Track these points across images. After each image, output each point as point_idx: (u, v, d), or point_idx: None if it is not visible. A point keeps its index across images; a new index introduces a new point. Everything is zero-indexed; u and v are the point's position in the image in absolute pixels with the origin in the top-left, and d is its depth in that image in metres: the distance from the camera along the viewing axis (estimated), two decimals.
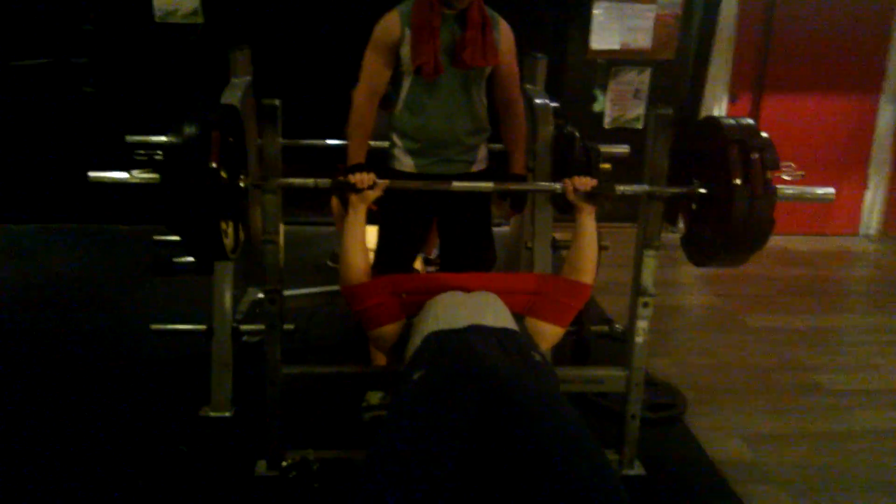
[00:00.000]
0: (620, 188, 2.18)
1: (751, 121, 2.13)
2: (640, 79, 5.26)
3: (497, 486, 1.61)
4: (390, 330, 2.07)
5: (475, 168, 2.65)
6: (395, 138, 2.60)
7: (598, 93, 5.29)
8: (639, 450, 2.55)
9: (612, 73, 5.23)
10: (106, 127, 4.92)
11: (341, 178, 2.12)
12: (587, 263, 2.13)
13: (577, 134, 2.93)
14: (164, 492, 2.38)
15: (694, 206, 2.23)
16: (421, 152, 2.57)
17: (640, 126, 5.30)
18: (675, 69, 5.30)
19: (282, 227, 2.35)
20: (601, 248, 3.02)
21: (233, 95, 2.76)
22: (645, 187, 2.26)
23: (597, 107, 5.32)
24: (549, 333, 2.10)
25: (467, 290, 2.10)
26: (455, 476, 1.49)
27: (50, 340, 3.51)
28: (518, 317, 2.09)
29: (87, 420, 2.79)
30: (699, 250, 2.24)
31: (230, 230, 2.12)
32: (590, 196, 2.15)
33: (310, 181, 2.15)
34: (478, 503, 1.62)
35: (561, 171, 2.82)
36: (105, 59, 5.13)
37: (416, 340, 1.90)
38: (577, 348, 3.00)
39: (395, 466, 1.48)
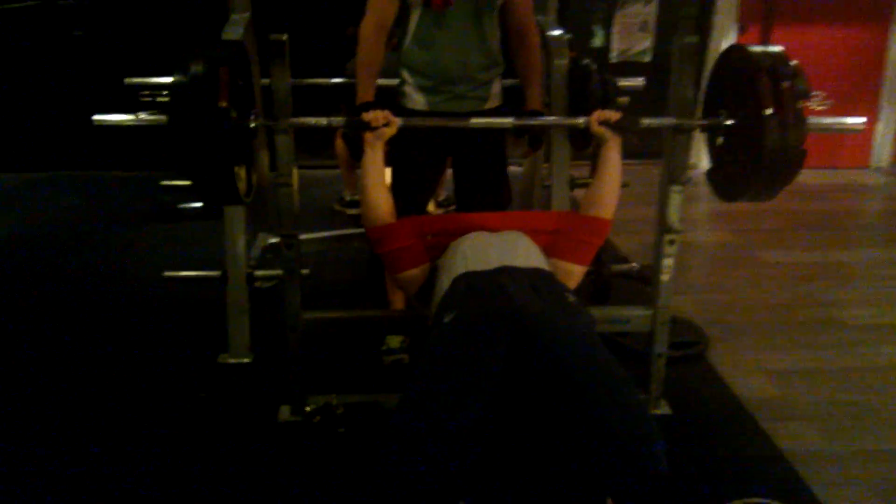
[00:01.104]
0: (646, 121, 2.10)
1: (779, 48, 2.03)
2: (646, 10, 5.12)
3: (531, 426, 1.58)
4: (416, 273, 2.01)
5: (489, 104, 2.54)
6: (405, 75, 2.49)
7: (596, 28, 5.14)
8: (664, 389, 2.52)
9: (617, 4, 5.08)
10: (99, 71, 4.79)
11: (354, 116, 2.03)
12: (608, 198, 2.06)
13: (593, 66, 2.83)
14: (187, 439, 2.35)
15: (721, 139, 2.14)
16: (432, 89, 2.45)
17: (647, 59, 5.18)
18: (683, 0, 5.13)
19: (295, 170, 2.26)
20: (623, 185, 2.96)
21: (234, 32, 2.64)
22: (672, 120, 2.18)
23: (596, 42, 5.18)
24: (571, 272, 2.03)
25: (493, 229, 2.03)
26: (488, 417, 1.45)
27: (60, 289, 3.47)
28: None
29: (103, 368, 2.76)
30: (728, 184, 2.16)
31: (242, 173, 2.03)
32: (615, 128, 2.07)
33: (323, 120, 2.06)
34: (512, 444, 1.60)
35: (577, 106, 2.73)
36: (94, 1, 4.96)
37: (445, 283, 1.84)
38: (597, 288, 2.94)
39: (431, 407, 1.44)
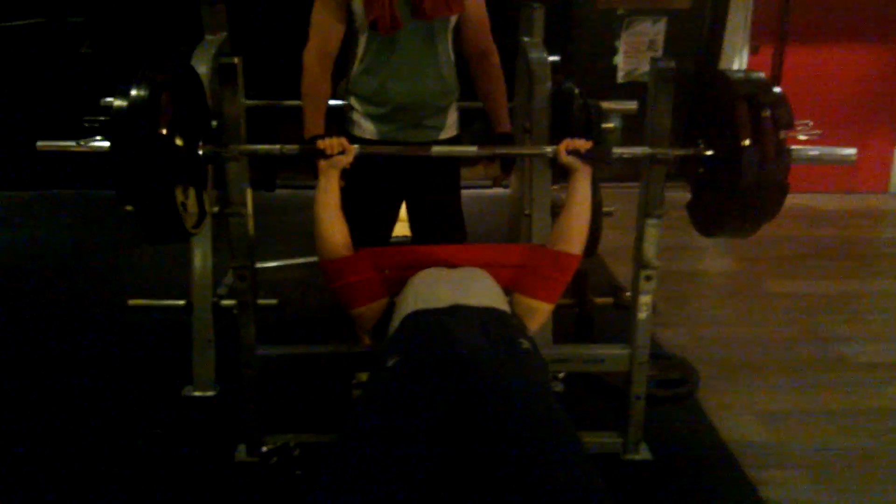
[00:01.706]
0: (618, 150, 1.98)
1: (761, 74, 1.90)
2: (654, 29, 4.98)
3: (470, 495, 1.45)
4: (372, 309, 1.91)
5: (445, 134, 2.41)
6: (354, 101, 2.35)
7: (619, 45, 5.01)
8: (646, 430, 2.37)
9: (624, 23, 4.95)
10: (106, 89, 4.74)
11: (307, 146, 1.93)
12: (576, 232, 1.95)
13: (576, 90, 2.71)
14: (139, 477, 2.25)
15: (700, 170, 2.01)
16: (384, 118, 2.31)
17: None
18: (692, 19, 5.00)
19: (250, 196, 2.17)
20: (605, 214, 2.83)
21: (205, 54, 2.56)
22: (645, 149, 2.05)
23: (617, 60, 5.05)
24: (536, 310, 1.93)
25: (453, 264, 1.92)
26: (421, 480, 1.33)
27: (26, 314, 3.39)
28: (505, 292, 1.93)
29: (63, 400, 2.67)
30: (705, 218, 2.04)
31: (190, 202, 1.94)
32: (584, 158, 1.96)
33: (275, 147, 1.96)
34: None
35: (559, 131, 2.62)
36: (103, 18, 4.92)
37: (395, 322, 1.74)
38: (579, 323, 2.81)
39: (358, 467, 1.32)
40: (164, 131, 1.77)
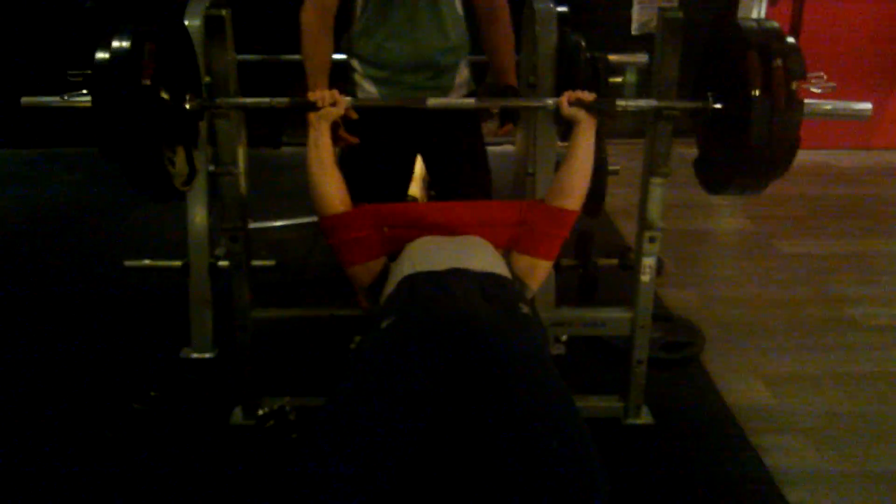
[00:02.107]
0: (622, 103, 1.89)
1: (774, 23, 1.80)
2: None
3: (464, 459, 1.42)
4: (368, 268, 1.86)
5: (454, 95, 2.32)
6: (355, 63, 2.25)
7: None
8: (649, 394, 2.32)
9: None
10: None
11: (298, 99, 1.86)
12: (576, 187, 1.87)
13: (582, 43, 2.61)
14: (134, 439, 2.24)
15: (708, 125, 1.93)
16: (386, 80, 2.21)
17: None
18: None
19: (241, 154, 2.10)
20: (610, 172, 2.74)
21: (197, 6, 2.46)
22: (651, 102, 1.96)
23: (633, 11, 4.91)
24: (535, 266, 1.87)
25: (450, 223, 1.87)
26: (415, 441, 1.29)
27: (21, 276, 3.37)
28: (504, 252, 1.88)
29: (58, 361, 2.66)
30: (712, 174, 1.95)
31: (179, 158, 1.88)
32: (588, 109, 1.87)
33: (265, 100, 1.89)
34: (440, 478, 1.44)
35: (564, 85, 2.52)
36: None
37: (390, 286, 1.69)
38: (582, 284, 2.74)
39: (351, 429, 1.28)
40: (148, 84, 1.70)
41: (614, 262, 2.83)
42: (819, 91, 1.72)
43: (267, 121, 4.95)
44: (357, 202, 2.27)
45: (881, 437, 2.30)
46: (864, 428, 2.34)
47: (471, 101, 2.07)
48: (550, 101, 1.92)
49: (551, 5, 2.59)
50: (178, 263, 2.61)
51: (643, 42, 4.81)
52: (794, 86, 1.67)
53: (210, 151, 2.60)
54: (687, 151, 2.06)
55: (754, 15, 4.90)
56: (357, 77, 2.24)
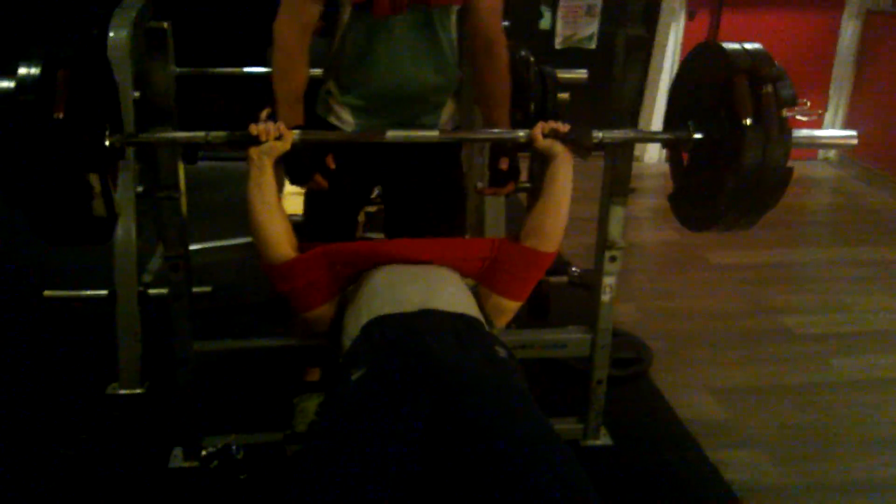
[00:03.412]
0: (599, 134, 1.79)
1: (759, 45, 1.75)
2: None
3: None
4: (326, 309, 1.73)
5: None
6: (332, 86, 1.99)
7: (544, 9, 4.88)
8: (603, 413, 2.29)
9: None
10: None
11: (237, 133, 1.68)
12: (553, 227, 1.76)
13: (531, 59, 2.57)
14: (61, 489, 2.04)
15: (688, 157, 1.86)
16: (366, 110, 1.97)
17: (593, 46, 4.92)
18: None
19: (182, 175, 1.95)
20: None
21: (124, 17, 2.29)
22: (631, 133, 1.92)
23: (543, 24, 4.92)
24: (503, 308, 1.79)
25: (414, 260, 1.75)
26: (401, 497, 1.19)
27: None
28: (472, 285, 1.79)
29: None
30: (696, 211, 1.87)
31: (98, 203, 1.67)
32: (565, 141, 1.76)
33: (199, 134, 1.71)
34: None
35: (514, 102, 2.47)
36: None
37: (352, 325, 1.57)
38: (534, 304, 2.69)
39: (331, 493, 1.17)
40: (61, 116, 1.47)
41: (564, 279, 2.81)
42: (805, 119, 1.69)
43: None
44: (308, 225, 2.15)
45: (832, 448, 2.34)
46: (814, 439, 2.38)
47: (434, 133, 1.90)
48: (522, 133, 1.79)
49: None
50: (103, 293, 2.41)
51: (567, 56, 4.85)
52: (784, 113, 1.63)
53: (137, 169, 2.42)
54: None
55: (673, 30, 5.00)
56: (332, 102, 2.00)
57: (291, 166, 1.89)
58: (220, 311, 2.75)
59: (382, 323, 1.50)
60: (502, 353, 1.49)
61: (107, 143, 1.64)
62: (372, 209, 3.42)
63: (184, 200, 1.96)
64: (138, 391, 2.43)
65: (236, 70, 2.85)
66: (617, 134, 1.88)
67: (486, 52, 1.97)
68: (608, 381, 2.36)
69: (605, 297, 2.12)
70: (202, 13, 4.14)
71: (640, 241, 4.00)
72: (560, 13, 4.86)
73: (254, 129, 1.66)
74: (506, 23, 2.62)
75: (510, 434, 1.20)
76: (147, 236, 2.52)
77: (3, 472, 2.10)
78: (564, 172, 1.76)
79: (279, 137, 1.68)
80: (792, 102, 1.66)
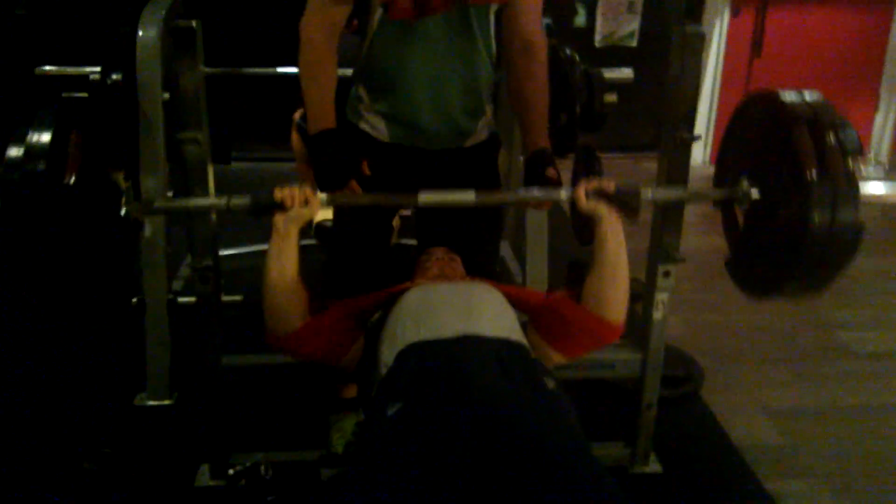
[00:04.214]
0: (648, 193, 1.60)
1: (816, 93, 1.57)
2: None
3: None
4: (354, 353, 1.62)
5: (471, 141, 1.92)
6: (362, 91, 1.87)
7: (579, 6, 4.73)
8: (652, 437, 2.16)
9: None
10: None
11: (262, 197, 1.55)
12: (613, 296, 1.56)
13: (576, 57, 2.44)
14: None
15: (744, 217, 1.70)
16: (399, 118, 1.85)
17: (634, 44, 4.78)
18: None
19: (212, 180, 1.84)
20: None
21: (154, 15, 2.19)
22: (681, 192, 1.76)
23: (578, 22, 4.77)
24: (549, 358, 1.61)
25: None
26: None
27: None
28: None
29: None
30: (758, 277, 1.70)
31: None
32: (611, 202, 1.56)
33: (220, 201, 1.59)
34: None
35: (557, 105, 2.34)
36: None
37: (387, 351, 1.45)
38: (572, 273, 2.53)
39: None
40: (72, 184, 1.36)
41: None
42: (869, 170, 1.52)
43: (215, 132, 4.69)
44: (341, 235, 2.02)
45: (894, 479, 2.19)
46: (877, 470, 2.23)
47: (470, 195, 1.64)
48: (564, 194, 1.62)
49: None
50: (132, 300, 2.33)
51: (607, 55, 4.70)
52: (850, 164, 1.46)
53: (167, 170, 2.33)
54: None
55: (717, 28, 4.84)
56: (363, 108, 1.88)
57: (324, 171, 1.76)
58: (252, 320, 2.66)
59: (418, 351, 1.38)
60: (551, 384, 1.37)
61: (122, 212, 1.51)
62: (407, 212, 3.31)
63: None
64: (167, 402, 2.35)
65: (269, 70, 2.76)
66: (668, 193, 1.77)
67: (525, 54, 1.81)
68: (658, 402, 2.23)
69: (658, 315, 1.99)
70: (234, 12, 4.08)
71: (684, 248, 3.83)
72: (600, 10, 4.73)
73: (278, 193, 1.53)
74: (547, 20, 2.51)
75: (563, 485, 1.08)
76: (177, 240, 2.43)
77: (27, 483, 2.02)
78: (613, 236, 1.57)
79: (305, 202, 1.54)
80: (858, 152, 1.48)
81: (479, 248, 1.97)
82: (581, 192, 1.56)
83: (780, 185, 1.54)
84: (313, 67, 1.74)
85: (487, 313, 1.49)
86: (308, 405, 2.25)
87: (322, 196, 1.58)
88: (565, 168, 2.04)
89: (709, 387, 2.58)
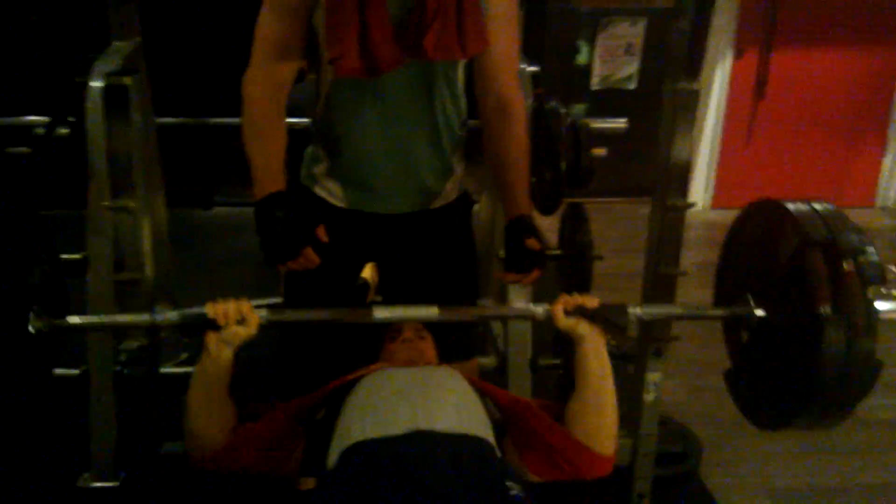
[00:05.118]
0: (635, 311, 1.46)
1: (831, 206, 1.42)
2: (633, 31, 4.57)
3: None
4: (294, 458, 1.44)
5: (439, 202, 1.76)
6: (318, 151, 1.70)
7: (582, 44, 4.60)
8: None
9: (600, 24, 4.53)
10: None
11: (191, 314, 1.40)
12: (602, 422, 1.40)
13: (562, 109, 2.28)
14: None
15: (746, 336, 1.53)
16: (353, 180, 1.68)
17: (632, 86, 4.63)
18: (674, 20, 4.60)
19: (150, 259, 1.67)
20: (595, 257, 2.35)
21: (106, 66, 2.03)
22: (675, 308, 1.62)
23: (580, 59, 4.64)
24: (527, 473, 1.42)
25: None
26: None
27: None
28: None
29: None
30: (763, 406, 1.54)
31: None
32: (593, 320, 1.42)
33: (143, 317, 1.47)
34: None
35: (543, 159, 2.18)
36: None
37: (333, 452, 1.28)
38: (562, 387, 2.37)
39: None
40: None
41: None
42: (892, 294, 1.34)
43: (196, 177, 4.54)
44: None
45: None
46: None
47: (434, 311, 1.50)
48: (540, 310, 1.46)
49: (524, 65, 2.26)
50: (75, 372, 2.14)
51: (607, 98, 4.56)
52: (870, 294, 1.29)
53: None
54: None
55: (719, 71, 4.69)
56: (318, 171, 1.70)
57: (274, 239, 1.56)
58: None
59: (362, 450, 1.21)
60: (515, 489, 1.18)
61: (31, 329, 1.35)
62: None
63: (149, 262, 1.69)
64: (112, 484, 2.15)
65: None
66: (657, 310, 1.63)
67: (501, 113, 1.65)
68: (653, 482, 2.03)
69: (649, 397, 1.80)
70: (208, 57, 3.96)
71: (680, 297, 3.64)
72: (598, 52, 4.58)
73: (210, 310, 1.37)
74: (535, 68, 2.36)
75: None
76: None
77: None
78: (596, 358, 1.41)
79: (241, 321, 1.38)
80: (880, 280, 1.31)
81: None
82: (559, 309, 1.41)
83: (789, 310, 1.39)
84: (256, 126, 1.57)
85: (445, 405, 1.31)
86: (264, 498, 2.05)
87: (263, 313, 1.41)
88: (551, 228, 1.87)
89: (707, 460, 2.37)
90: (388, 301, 1.84)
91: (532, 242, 1.61)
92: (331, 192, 1.70)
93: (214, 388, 1.38)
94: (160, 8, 2.49)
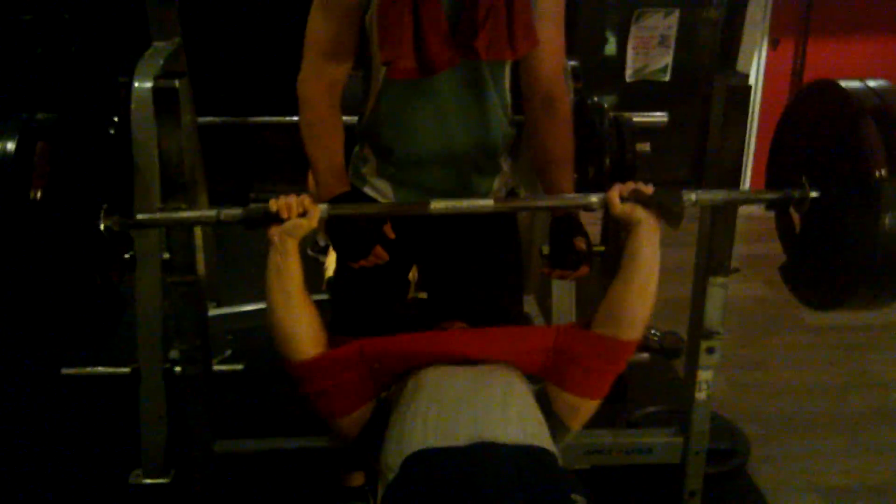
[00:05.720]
0: (691, 195, 1.47)
1: (885, 82, 1.41)
2: (666, 23, 4.52)
3: None
4: (355, 418, 1.45)
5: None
6: (367, 151, 1.71)
7: (609, 34, 4.57)
8: None
9: (633, 16, 4.49)
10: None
11: (255, 208, 1.43)
12: (636, 312, 1.43)
13: (604, 104, 2.26)
14: None
15: (801, 220, 1.53)
16: (407, 181, 1.68)
17: (666, 78, 4.58)
18: (708, 11, 4.56)
19: (201, 255, 1.68)
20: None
21: (150, 67, 2.06)
22: (728, 193, 1.57)
23: (609, 50, 4.60)
24: (580, 408, 1.46)
25: (466, 357, 1.45)
26: None
27: None
28: (535, 379, 1.47)
29: None
30: (820, 287, 1.53)
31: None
32: (648, 205, 1.43)
33: (209, 213, 1.48)
34: None
35: (586, 156, 2.16)
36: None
37: (392, 452, 1.28)
38: (605, 270, 2.31)
39: None
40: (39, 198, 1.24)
41: (645, 356, 2.47)
42: None
43: (232, 173, 4.55)
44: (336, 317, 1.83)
45: None
46: None
47: (489, 202, 1.55)
48: (595, 199, 1.47)
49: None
50: (126, 370, 2.17)
51: (637, 89, 4.51)
52: None
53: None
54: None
55: (754, 61, 4.63)
56: (367, 171, 1.71)
57: (347, 241, 1.60)
58: (255, 392, 2.49)
59: (425, 461, 1.20)
60: (580, 502, 1.17)
61: (101, 226, 1.38)
62: None
63: (203, 281, 1.70)
64: (163, 480, 2.17)
65: (278, 119, 2.61)
66: (715, 195, 1.56)
67: (546, 110, 1.65)
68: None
69: (701, 395, 1.78)
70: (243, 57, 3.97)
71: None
72: (631, 43, 4.53)
73: (273, 204, 1.41)
74: (573, 62, 2.34)
75: None
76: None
77: None
78: (649, 244, 1.43)
79: (303, 213, 1.41)
80: None
81: (496, 302, 1.76)
82: (615, 194, 1.43)
83: (844, 185, 1.39)
84: (315, 128, 1.60)
85: (507, 412, 1.30)
86: (311, 494, 2.06)
87: (323, 207, 1.45)
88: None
89: (754, 457, 2.35)
90: (435, 299, 1.85)
91: (579, 242, 1.62)
92: (381, 192, 1.70)
93: (288, 284, 1.42)
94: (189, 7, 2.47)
